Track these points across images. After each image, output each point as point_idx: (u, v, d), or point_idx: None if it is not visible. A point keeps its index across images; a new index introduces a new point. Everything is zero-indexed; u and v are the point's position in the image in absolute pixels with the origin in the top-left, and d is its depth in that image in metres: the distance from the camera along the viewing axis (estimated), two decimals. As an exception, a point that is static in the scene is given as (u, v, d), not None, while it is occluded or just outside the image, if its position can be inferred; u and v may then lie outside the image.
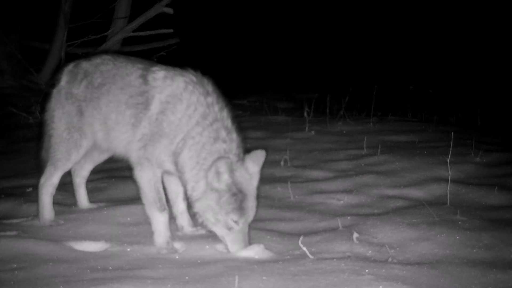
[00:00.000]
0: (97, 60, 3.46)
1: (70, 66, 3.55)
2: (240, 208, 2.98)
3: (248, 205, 3.01)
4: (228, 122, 3.12)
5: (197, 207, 3.03)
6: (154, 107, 3.14)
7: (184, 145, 3.06)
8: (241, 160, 3.06)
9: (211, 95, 3.14)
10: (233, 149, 3.06)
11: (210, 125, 3.06)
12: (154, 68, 3.26)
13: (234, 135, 3.11)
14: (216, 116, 3.09)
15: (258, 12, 16.08)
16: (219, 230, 3.04)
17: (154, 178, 3.19)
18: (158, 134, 3.11)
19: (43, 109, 3.66)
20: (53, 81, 3.68)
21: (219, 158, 2.95)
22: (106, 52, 3.58)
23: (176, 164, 3.12)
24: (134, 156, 3.20)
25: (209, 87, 3.17)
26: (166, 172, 3.31)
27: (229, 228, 3.00)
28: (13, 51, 8.66)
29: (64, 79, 3.52)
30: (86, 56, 3.64)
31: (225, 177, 2.95)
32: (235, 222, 2.99)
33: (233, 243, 3.02)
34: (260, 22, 15.88)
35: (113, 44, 8.55)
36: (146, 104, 3.16)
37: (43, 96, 3.70)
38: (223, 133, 3.06)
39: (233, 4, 15.47)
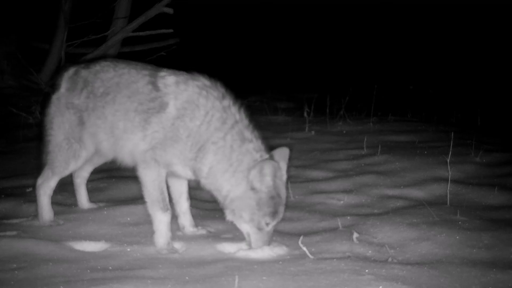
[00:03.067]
0: (96, 68, 3.39)
1: (70, 73, 3.47)
2: (275, 212, 3.02)
3: (282, 209, 3.07)
4: (247, 122, 3.13)
5: (236, 205, 3.04)
6: (169, 111, 3.11)
7: (206, 151, 3.06)
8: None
9: (225, 97, 3.14)
10: (261, 147, 3.10)
11: (232, 128, 3.07)
12: (162, 74, 3.22)
13: (256, 133, 3.13)
14: (235, 117, 3.10)
15: (258, 12, 16.08)
16: (248, 228, 3.07)
17: (159, 177, 3.17)
18: (173, 139, 3.09)
19: (43, 112, 3.62)
20: (52, 85, 3.64)
21: (266, 160, 2.98)
22: (104, 57, 3.52)
23: (197, 170, 3.11)
24: (140, 155, 3.17)
25: (222, 89, 3.18)
26: (171, 173, 3.29)
27: (260, 229, 3.04)
28: (13, 51, 8.66)
29: (64, 86, 3.46)
30: (86, 59, 3.60)
31: (268, 179, 2.98)
32: (267, 224, 3.03)
33: (258, 241, 3.07)
34: (260, 22, 15.88)
35: (113, 44, 8.54)
36: (159, 109, 3.12)
37: (43, 97, 3.68)
38: (247, 133, 3.09)
39: (233, 4, 15.48)
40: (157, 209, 3.16)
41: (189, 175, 3.21)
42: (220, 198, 3.13)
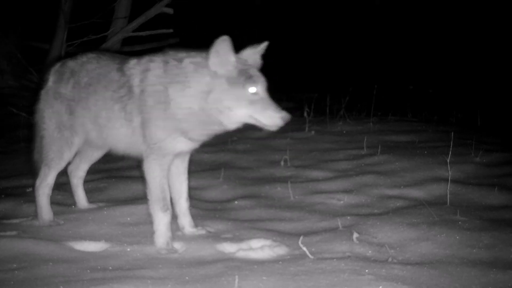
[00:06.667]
0: (82, 59, 3.47)
1: (57, 66, 3.55)
2: (250, 76, 2.95)
3: (254, 71, 3.00)
4: (180, 51, 3.11)
5: (217, 104, 2.95)
6: (135, 91, 3.15)
7: (168, 98, 3.04)
8: None
9: (173, 51, 3.15)
10: (198, 53, 3.04)
11: (171, 63, 3.06)
12: (129, 60, 3.30)
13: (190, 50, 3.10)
14: (172, 56, 3.09)
15: (258, 11, 16.09)
16: (246, 110, 2.95)
17: (162, 173, 3.16)
18: (146, 112, 3.10)
19: (32, 111, 3.65)
20: (41, 81, 3.67)
21: (215, 42, 2.91)
22: (91, 50, 3.61)
23: (178, 122, 3.06)
24: (142, 149, 3.20)
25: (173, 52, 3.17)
26: (177, 157, 3.29)
27: (253, 101, 2.94)
28: (13, 51, 8.66)
29: (51, 79, 3.53)
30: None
31: (228, 56, 2.92)
32: (254, 92, 2.93)
33: (266, 111, 2.95)
34: (259, 21, 15.89)
35: (113, 44, 8.54)
36: (129, 96, 3.17)
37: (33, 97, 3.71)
38: (180, 54, 3.07)
39: (233, 3, 15.47)
40: (157, 209, 3.16)
41: (186, 142, 3.15)
42: (211, 122, 3.02)
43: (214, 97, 2.94)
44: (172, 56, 3.12)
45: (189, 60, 3.04)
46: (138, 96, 3.14)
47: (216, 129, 3.10)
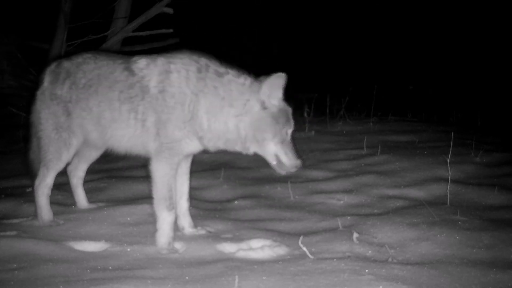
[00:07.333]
0: (78, 59, 3.45)
1: (52, 66, 3.53)
2: (289, 119, 3.16)
3: (291, 115, 3.20)
4: (218, 62, 3.18)
5: (254, 131, 3.07)
6: (152, 92, 3.15)
7: (197, 102, 3.09)
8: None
9: (194, 53, 3.19)
10: (240, 73, 3.15)
11: (207, 71, 3.12)
12: (134, 59, 3.28)
13: (230, 66, 3.18)
14: (206, 63, 3.15)
15: (257, 10, 16.09)
16: (274, 147, 3.10)
17: (170, 172, 3.16)
18: (165, 112, 3.11)
19: (28, 111, 3.64)
20: (37, 82, 3.66)
21: (268, 77, 3.03)
22: (86, 50, 3.61)
23: (199, 130, 3.11)
24: (152, 148, 3.19)
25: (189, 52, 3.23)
26: (186, 157, 3.32)
27: (283, 141, 3.11)
28: (13, 51, 8.65)
29: (47, 79, 3.51)
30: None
31: (277, 94, 3.07)
32: (287, 133, 3.13)
33: (289, 153, 3.13)
34: (259, 20, 15.89)
35: (113, 44, 8.53)
36: (143, 94, 3.16)
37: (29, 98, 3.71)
38: (221, 69, 3.14)
39: (233, 3, 15.47)
40: (162, 208, 3.16)
41: (198, 145, 3.20)
42: (237, 141, 3.13)
43: (256, 125, 3.06)
44: (202, 63, 3.14)
45: (230, 78, 3.11)
46: (156, 96, 3.13)
47: (235, 148, 3.19)
